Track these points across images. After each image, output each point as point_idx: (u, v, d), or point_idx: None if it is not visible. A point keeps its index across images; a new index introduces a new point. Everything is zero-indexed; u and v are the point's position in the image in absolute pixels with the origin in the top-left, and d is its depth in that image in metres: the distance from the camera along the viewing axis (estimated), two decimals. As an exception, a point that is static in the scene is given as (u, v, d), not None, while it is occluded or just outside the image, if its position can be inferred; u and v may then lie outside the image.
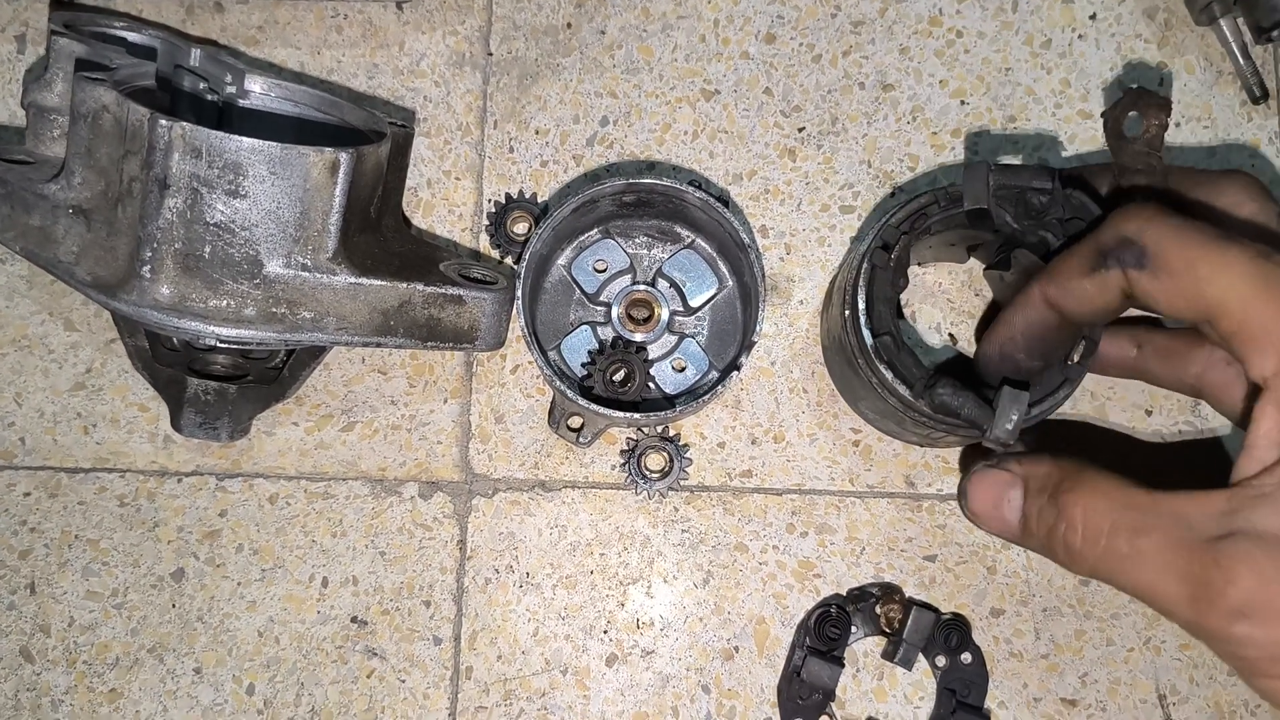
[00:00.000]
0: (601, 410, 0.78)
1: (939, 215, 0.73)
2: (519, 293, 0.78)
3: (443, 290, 0.76)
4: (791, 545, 0.84)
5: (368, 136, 0.81)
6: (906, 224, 0.74)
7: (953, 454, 0.85)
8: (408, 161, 0.86)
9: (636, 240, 0.86)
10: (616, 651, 0.83)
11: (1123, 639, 0.83)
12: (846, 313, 0.74)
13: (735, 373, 0.78)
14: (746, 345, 0.78)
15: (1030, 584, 0.83)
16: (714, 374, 0.83)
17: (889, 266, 0.73)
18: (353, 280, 0.73)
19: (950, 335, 0.87)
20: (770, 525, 0.84)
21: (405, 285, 0.75)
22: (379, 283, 0.74)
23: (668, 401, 0.83)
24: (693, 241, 0.85)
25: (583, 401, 0.77)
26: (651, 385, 0.83)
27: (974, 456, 0.82)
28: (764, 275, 0.78)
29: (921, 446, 0.85)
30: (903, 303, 0.86)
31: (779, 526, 0.84)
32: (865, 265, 0.73)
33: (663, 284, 0.85)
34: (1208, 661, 0.83)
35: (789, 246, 0.87)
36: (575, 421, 0.81)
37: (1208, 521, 0.51)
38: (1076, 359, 0.71)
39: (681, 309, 0.85)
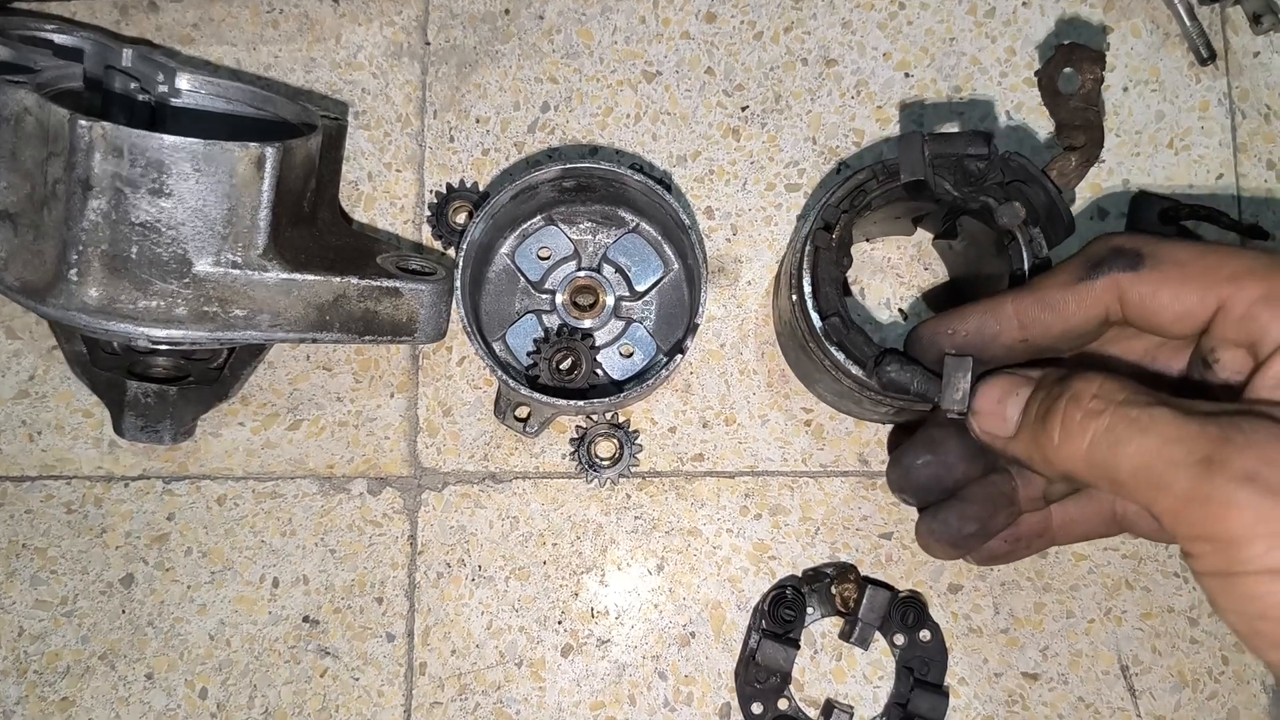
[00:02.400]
0: (547, 399, 0.77)
1: (878, 190, 0.72)
2: (458, 283, 0.77)
3: (378, 283, 0.75)
4: (745, 528, 0.83)
5: (300, 130, 0.80)
6: (846, 202, 0.73)
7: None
8: (342, 154, 0.85)
9: (580, 226, 0.85)
10: (571, 641, 0.82)
11: (1083, 610, 0.82)
12: (794, 296, 0.73)
13: (680, 356, 0.77)
14: (690, 328, 0.77)
15: (988, 558, 0.82)
16: (663, 358, 0.82)
17: (831, 246, 0.72)
18: (285, 276, 0.72)
19: (900, 310, 0.86)
20: (723, 509, 0.83)
21: (340, 279, 0.74)
22: (312, 278, 0.73)
23: (616, 388, 0.83)
24: (637, 225, 0.84)
25: (526, 391, 0.76)
26: (599, 372, 0.82)
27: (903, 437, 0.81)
28: (705, 257, 0.77)
29: (884, 424, 0.84)
30: (850, 280, 0.85)
31: (732, 509, 0.83)
32: (808, 247, 0.72)
33: (608, 269, 0.84)
34: (1170, 630, 0.82)
35: (735, 227, 0.86)
36: (522, 412, 0.81)
37: (1219, 404, 0.49)
38: None
39: (628, 294, 0.84)
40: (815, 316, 0.71)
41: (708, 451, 0.84)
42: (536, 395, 0.76)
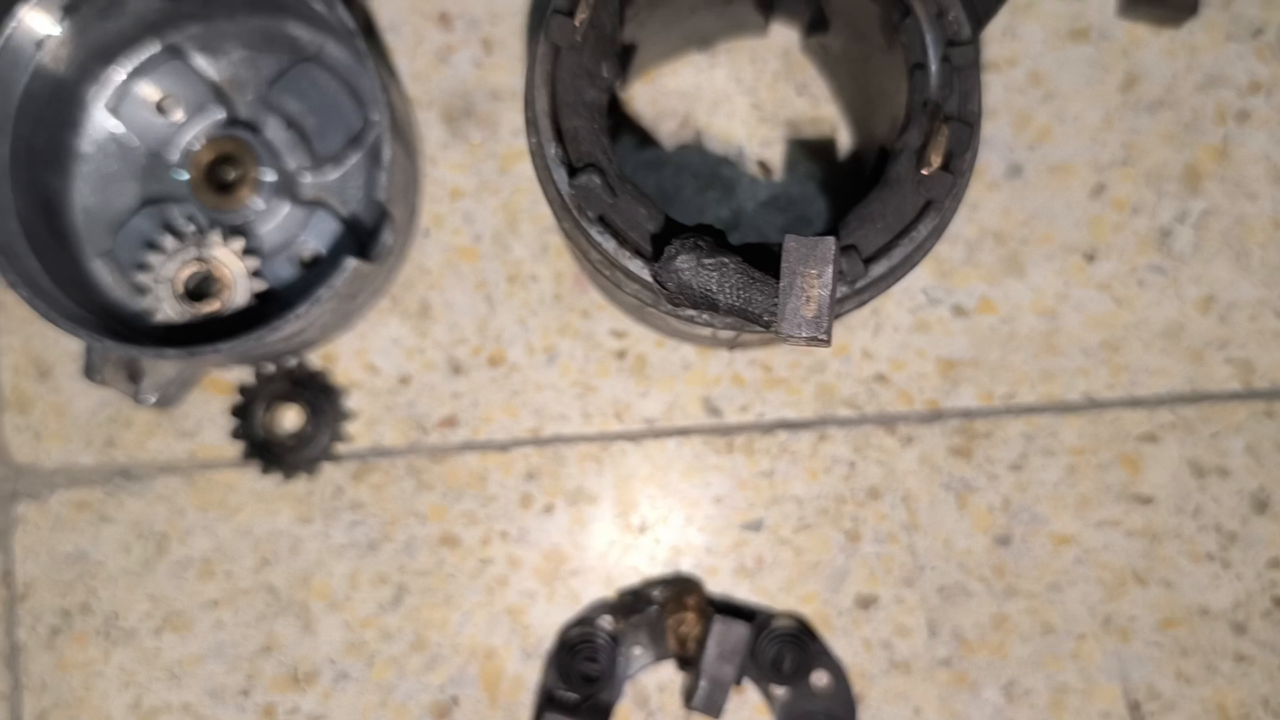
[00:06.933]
0: (149, 350, 0.45)
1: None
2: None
3: None
4: (530, 527, 0.52)
5: None
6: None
7: (778, 356, 0.53)
8: None
9: (229, 56, 0.52)
10: (264, 723, 0.52)
11: (1069, 622, 0.52)
12: (532, 140, 0.41)
13: (365, 261, 0.45)
14: (381, 214, 0.45)
15: (917, 550, 0.52)
16: (350, 264, 0.50)
17: (581, 45, 0.40)
18: None
19: (761, 164, 0.53)
20: (494, 500, 0.52)
21: None
22: None
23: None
24: (319, 51, 0.51)
25: (105, 341, 0.45)
26: (250, 290, 0.50)
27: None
28: (385, 86, 0.45)
29: (730, 350, 0.53)
30: (642, 113, 0.52)
31: (508, 500, 0.52)
32: (542, 48, 0.40)
33: (274, 124, 0.51)
34: (1205, 644, 0.52)
35: (488, 41, 0.53)
36: (125, 368, 0.49)
37: None
38: (937, 159, 0.39)
39: (308, 162, 0.51)
40: (560, 171, 0.39)
41: (463, 411, 0.52)
42: (127, 346, 0.45)
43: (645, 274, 0.40)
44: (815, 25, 0.49)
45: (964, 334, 0.53)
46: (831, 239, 0.35)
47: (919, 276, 0.53)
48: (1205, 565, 0.53)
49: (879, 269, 0.41)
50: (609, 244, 0.41)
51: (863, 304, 0.42)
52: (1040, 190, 0.53)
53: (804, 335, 0.35)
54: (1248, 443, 0.53)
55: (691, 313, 0.39)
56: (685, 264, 0.37)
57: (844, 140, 0.53)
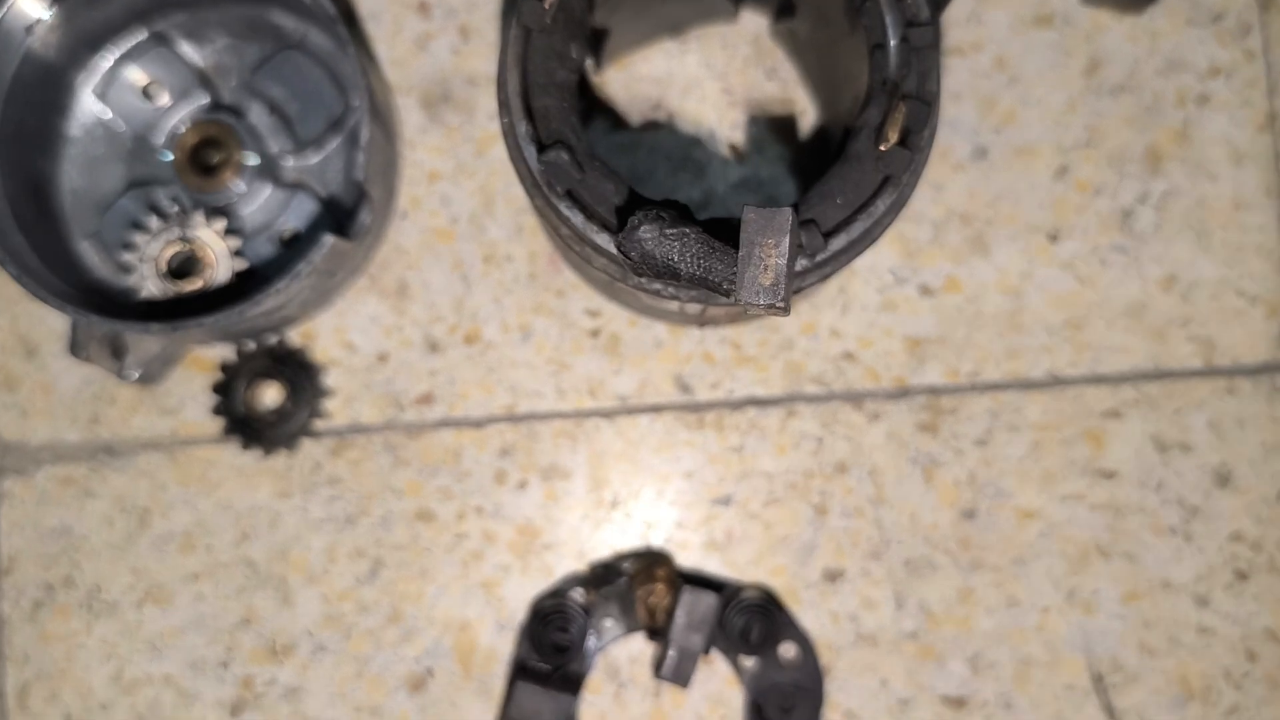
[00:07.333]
0: (132, 325, 0.46)
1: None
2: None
3: None
4: (504, 502, 0.53)
5: None
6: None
7: (747, 334, 0.54)
8: None
9: (214, 43, 0.53)
10: (244, 694, 0.53)
11: (1033, 595, 0.53)
12: (504, 120, 0.42)
13: (343, 239, 0.46)
14: (360, 194, 0.47)
15: (884, 524, 0.53)
16: (327, 240, 0.51)
17: (551, 27, 0.41)
18: None
19: (732, 147, 0.54)
20: (469, 475, 0.54)
21: None
22: None
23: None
24: (302, 39, 0.53)
25: (87, 314, 0.46)
26: (232, 269, 0.51)
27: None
28: (365, 72, 0.46)
29: (700, 327, 0.54)
30: (611, 96, 0.54)
31: (483, 476, 0.54)
32: (514, 30, 0.41)
33: (258, 109, 0.53)
34: (1167, 616, 0.53)
35: (465, 29, 0.55)
36: (110, 345, 0.50)
37: None
38: (894, 135, 0.40)
39: (290, 145, 0.53)
40: (530, 148, 0.40)
41: (440, 389, 0.54)
42: (98, 319, 0.46)
43: (612, 247, 0.41)
44: (783, 11, 0.50)
45: (930, 312, 0.54)
46: (789, 209, 0.36)
47: (886, 256, 0.54)
48: (1168, 539, 0.54)
49: (838, 243, 0.42)
50: (577, 218, 0.42)
51: (825, 278, 0.43)
52: (1005, 172, 0.55)
53: (762, 303, 0.36)
54: (1209, 419, 0.54)
55: (658, 286, 0.41)
56: (648, 234, 0.38)
57: (812, 123, 0.55)
